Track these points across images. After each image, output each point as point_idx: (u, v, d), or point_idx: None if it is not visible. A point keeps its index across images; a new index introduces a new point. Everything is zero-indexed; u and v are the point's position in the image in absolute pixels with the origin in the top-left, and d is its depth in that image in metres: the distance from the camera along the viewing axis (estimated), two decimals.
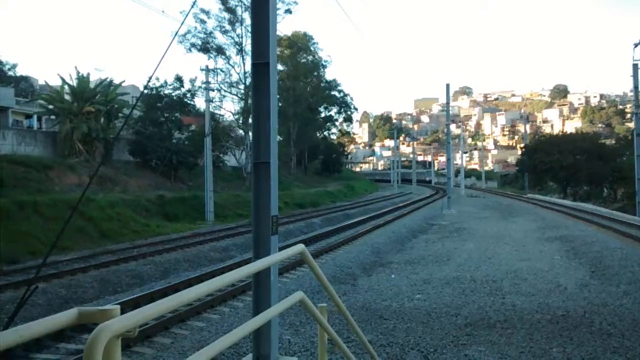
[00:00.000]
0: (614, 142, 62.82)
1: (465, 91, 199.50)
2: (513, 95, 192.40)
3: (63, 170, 25.07)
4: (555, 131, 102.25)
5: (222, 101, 47.85)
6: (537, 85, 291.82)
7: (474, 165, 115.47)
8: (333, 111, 70.21)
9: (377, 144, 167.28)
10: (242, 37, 39.73)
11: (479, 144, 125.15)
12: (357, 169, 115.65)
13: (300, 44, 56.20)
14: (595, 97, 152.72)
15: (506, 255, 13.43)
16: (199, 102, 43.93)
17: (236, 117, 43.47)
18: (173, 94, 37.39)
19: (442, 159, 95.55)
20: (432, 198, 44.46)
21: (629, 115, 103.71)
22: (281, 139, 52.89)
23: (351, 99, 71.26)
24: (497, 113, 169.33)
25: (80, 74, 31.68)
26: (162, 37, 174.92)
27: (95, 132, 29.43)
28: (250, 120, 32.73)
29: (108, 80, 33.40)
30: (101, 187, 24.77)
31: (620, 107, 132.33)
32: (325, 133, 73.30)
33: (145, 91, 33.14)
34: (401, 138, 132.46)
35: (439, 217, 25.82)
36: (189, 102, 38.97)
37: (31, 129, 35.65)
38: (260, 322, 2.47)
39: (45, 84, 37.27)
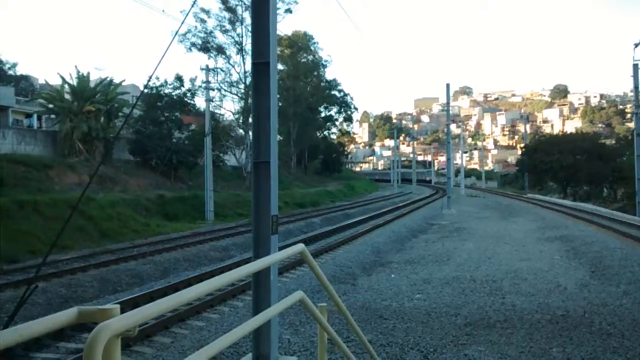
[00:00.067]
0: (614, 142, 62.85)
1: (466, 91, 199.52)
2: (513, 95, 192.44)
3: (63, 169, 25.07)
4: (556, 131, 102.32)
5: (222, 101, 47.87)
6: (537, 85, 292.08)
7: (474, 165, 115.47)
8: (333, 111, 70.28)
9: (377, 144, 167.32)
10: (242, 37, 39.75)
11: (479, 143, 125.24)
12: (357, 169, 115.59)
13: (301, 43, 56.17)
14: (595, 97, 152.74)
15: (506, 255, 13.43)
16: (199, 102, 44.02)
17: (236, 116, 43.47)
18: (173, 94, 37.38)
19: (442, 158, 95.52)
20: (432, 198, 44.47)
21: (629, 115, 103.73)
22: (281, 138, 52.89)
23: (351, 98, 71.38)
24: (497, 113, 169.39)
25: (80, 73, 31.69)
26: (162, 37, 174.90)
27: (96, 132, 29.43)
28: (250, 120, 32.72)
29: (108, 79, 33.41)
30: (101, 186, 24.77)
31: (621, 107, 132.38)
32: (325, 133, 73.30)
33: (146, 90, 33.12)
34: (401, 138, 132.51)
35: (439, 216, 25.83)
36: (189, 101, 38.95)
37: (31, 128, 35.65)
38: (260, 321, 2.47)
39: (46, 83, 37.24)
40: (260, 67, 4.74)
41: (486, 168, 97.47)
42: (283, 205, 29.37)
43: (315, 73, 61.53)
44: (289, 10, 42.30)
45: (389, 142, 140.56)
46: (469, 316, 7.63)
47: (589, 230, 18.73)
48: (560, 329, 6.98)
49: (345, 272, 11.29)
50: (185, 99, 38.40)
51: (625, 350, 6.08)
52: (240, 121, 42.46)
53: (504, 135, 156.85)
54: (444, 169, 74.38)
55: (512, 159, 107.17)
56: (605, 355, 5.94)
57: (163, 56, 4.86)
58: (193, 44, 38.71)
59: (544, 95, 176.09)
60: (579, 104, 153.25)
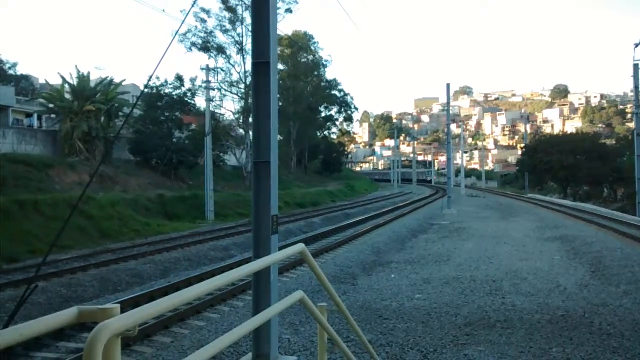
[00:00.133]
0: (614, 142, 62.88)
1: (466, 91, 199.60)
2: (513, 95, 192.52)
3: (63, 169, 25.09)
4: (556, 131, 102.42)
5: (222, 100, 47.78)
6: (537, 85, 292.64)
7: (474, 165, 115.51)
8: (333, 110, 70.25)
9: (377, 144, 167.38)
10: (242, 36, 39.75)
11: (479, 143, 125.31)
12: (357, 169, 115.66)
13: (301, 43, 56.14)
14: (595, 97, 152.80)
15: (506, 255, 13.43)
16: (199, 101, 43.97)
17: (236, 116, 43.48)
18: (173, 93, 37.41)
19: (442, 158, 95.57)
20: (432, 197, 44.46)
21: (629, 115, 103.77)
22: (281, 138, 52.90)
23: (351, 98, 71.37)
24: (497, 113, 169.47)
25: (80, 73, 31.70)
26: (162, 36, 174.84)
27: (96, 131, 29.44)
28: (250, 120, 32.75)
29: (108, 79, 33.41)
30: (101, 185, 24.79)
31: (621, 107, 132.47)
32: (326, 132, 73.32)
33: (146, 90, 33.16)
34: (401, 137, 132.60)
35: (439, 216, 25.82)
36: (189, 101, 38.99)
37: (31, 128, 35.65)
38: (260, 321, 2.47)
39: (46, 82, 37.26)
40: (261, 66, 4.74)
41: (486, 168, 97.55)
42: (283, 205, 29.38)
43: (315, 73, 61.49)
44: (289, 10, 42.33)
45: (389, 142, 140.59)
46: (469, 316, 7.63)
47: (589, 230, 18.73)
48: (560, 329, 6.97)
49: (345, 271, 11.29)
50: (186, 99, 38.45)
51: (625, 350, 6.08)
52: (241, 121, 42.46)
53: (504, 135, 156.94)
54: (444, 168, 74.43)
55: (512, 159, 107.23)
56: (605, 355, 5.94)
57: (163, 56, 4.86)
58: (193, 44, 38.76)
59: (544, 95, 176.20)
60: (579, 104, 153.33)
